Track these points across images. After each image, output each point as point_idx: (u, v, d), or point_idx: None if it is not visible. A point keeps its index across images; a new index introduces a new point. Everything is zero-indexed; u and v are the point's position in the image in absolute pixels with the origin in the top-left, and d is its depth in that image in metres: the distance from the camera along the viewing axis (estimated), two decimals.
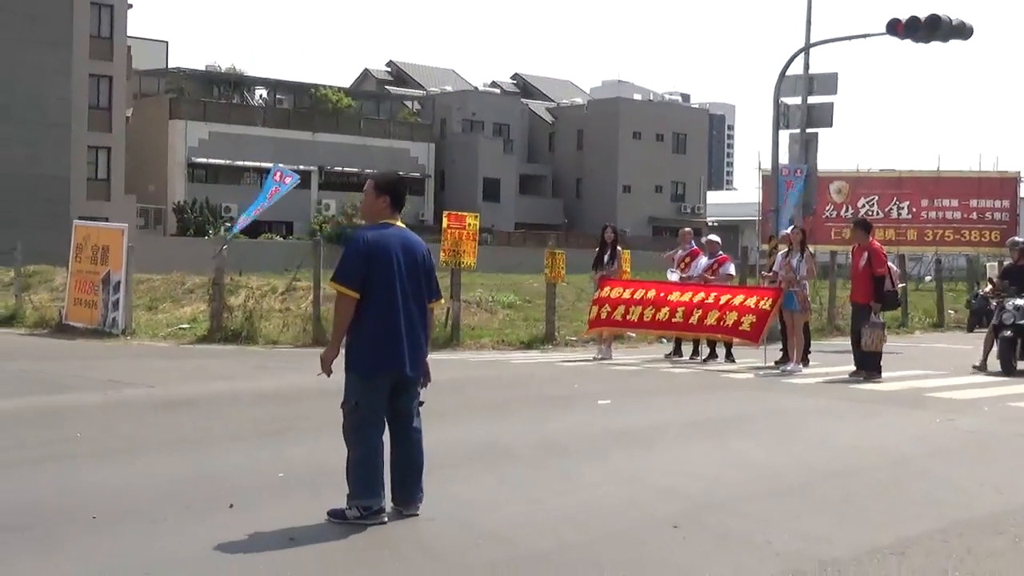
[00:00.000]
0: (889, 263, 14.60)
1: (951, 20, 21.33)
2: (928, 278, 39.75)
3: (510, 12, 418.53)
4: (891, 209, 49.76)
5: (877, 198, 49.78)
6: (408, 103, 76.70)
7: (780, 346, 15.96)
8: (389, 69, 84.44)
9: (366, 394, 6.23)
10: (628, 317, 16.61)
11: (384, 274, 6.19)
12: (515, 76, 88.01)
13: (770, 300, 15.29)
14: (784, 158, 24.55)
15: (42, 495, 6.79)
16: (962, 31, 21.53)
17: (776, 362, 15.55)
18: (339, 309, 6.30)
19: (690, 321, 15.93)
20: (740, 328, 15.34)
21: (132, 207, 52.79)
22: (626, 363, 16.41)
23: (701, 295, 16.05)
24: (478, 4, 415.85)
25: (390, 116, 73.39)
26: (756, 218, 64.46)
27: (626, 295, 16.83)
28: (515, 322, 22.90)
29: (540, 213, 75.21)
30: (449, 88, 79.01)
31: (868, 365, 14.03)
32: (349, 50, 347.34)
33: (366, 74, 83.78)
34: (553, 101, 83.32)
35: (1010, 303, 15.15)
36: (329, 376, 6.36)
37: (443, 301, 6.78)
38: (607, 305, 16.88)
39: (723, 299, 15.75)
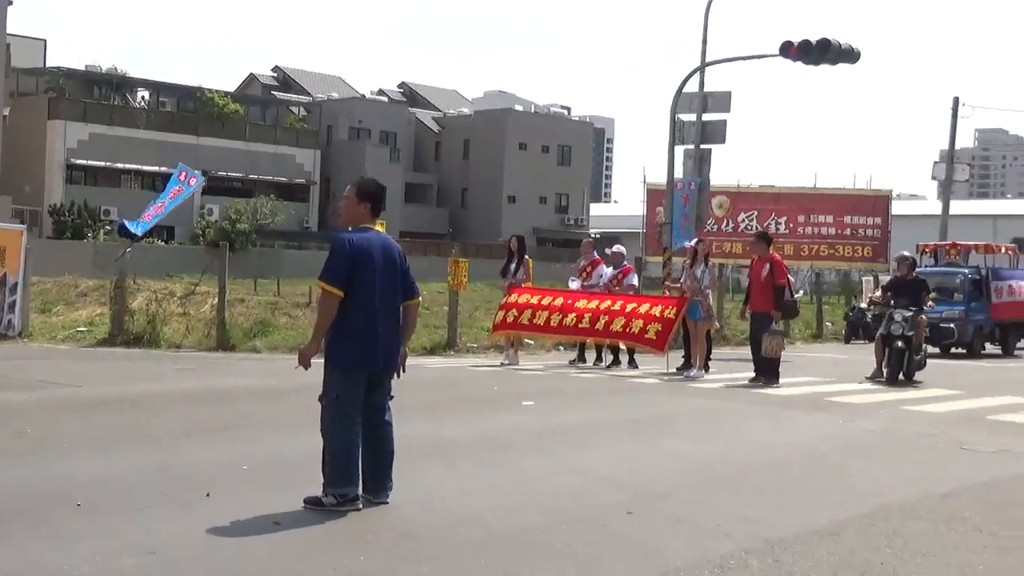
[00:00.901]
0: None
1: (840, 44, 22.40)
2: (801, 292, 41.18)
3: (396, 20, 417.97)
4: (769, 224, 51.28)
5: (756, 213, 51.22)
6: (294, 109, 76.28)
7: (682, 353, 16.65)
8: (275, 74, 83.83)
9: (347, 388, 6.60)
10: (534, 321, 17.10)
11: (366, 274, 6.58)
12: (402, 84, 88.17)
13: (674, 309, 15.97)
14: (679, 172, 25.40)
15: (19, 484, 6.97)
16: (850, 55, 22.63)
17: (678, 368, 16.23)
18: (324, 306, 6.65)
19: (596, 327, 16.51)
20: (646, 336, 15.98)
21: (7, 208, 51.49)
22: (533, 369, 16.90)
23: (608, 303, 16.66)
24: (364, 12, 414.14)
25: (276, 122, 72.86)
26: (640, 230, 65.96)
27: (533, 301, 17.33)
28: (418, 330, 23.21)
29: (425, 222, 75.48)
30: (336, 95, 78.84)
31: (767, 371, 14.79)
32: (234, 54, 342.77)
33: (251, 79, 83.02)
34: (440, 111, 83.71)
35: (899, 315, 15.71)
36: (307, 369, 6.68)
37: (419, 300, 7.14)
38: (514, 309, 17.34)
39: (629, 307, 16.38)
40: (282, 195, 66.61)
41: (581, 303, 16.89)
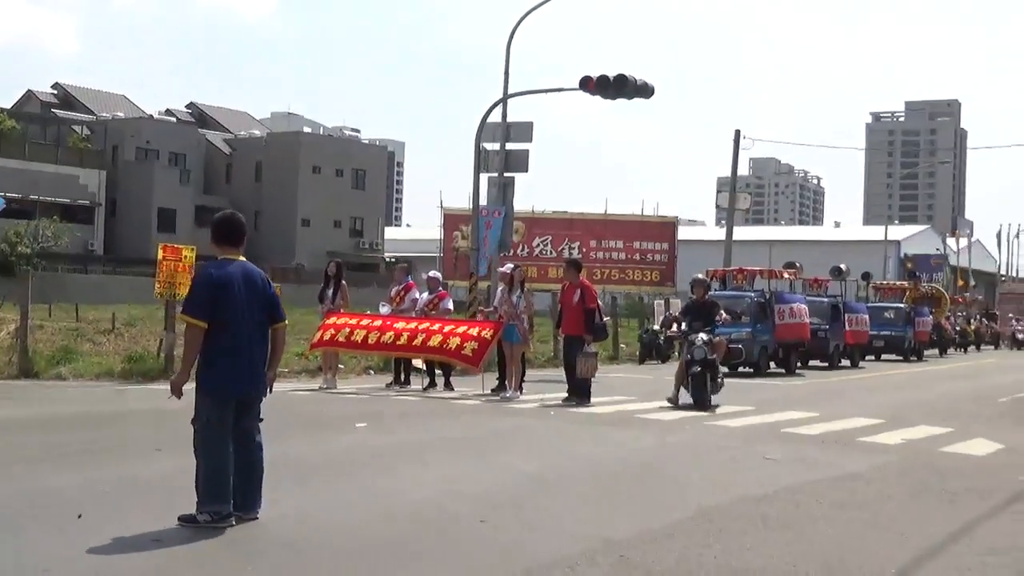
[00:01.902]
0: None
1: (636, 80, 23.70)
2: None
3: (178, 39, 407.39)
4: (563, 249, 52.86)
5: (551, 238, 52.70)
6: (77, 128, 73.88)
7: (496, 375, 17.32)
8: (55, 92, 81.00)
9: (216, 411, 6.98)
10: (352, 339, 17.45)
11: (229, 304, 6.96)
12: (190, 105, 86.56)
13: (491, 331, 16.64)
14: (483, 200, 26.20)
15: None
16: (645, 90, 23.98)
17: (493, 390, 16.90)
18: (189, 338, 7.00)
19: (413, 343, 17.00)
20: (462, 352, 16.56)
21: None
22: (353, 392, 17.25)
23: (426, 324, 17.21)
24: (145, 29, 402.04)
25: (57, 141, 70.40)
26: (437, 254, 66.77)
27: (352, 322, 17.70)
28: None
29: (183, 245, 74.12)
30: (121, 114, 76.80)
31: (581, 391, 15.63)
32: (9, 70, 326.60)
33: (29, 95, 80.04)
34: (230, 132, 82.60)
35: (698, 339, 15.79)
36: (179, 399, 6.99)
37: (286, 323, 7.54)
38: (331, 329, 17.65)
39: (447, 328, 16.97)
40: (65, 217, 64.35)
41: (400, 324, 17.37)
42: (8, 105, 74.58)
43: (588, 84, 23.88)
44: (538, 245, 50.60)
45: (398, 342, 17.13)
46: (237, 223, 7.40)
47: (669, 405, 15.73)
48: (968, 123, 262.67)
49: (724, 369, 21.16)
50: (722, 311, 16.69)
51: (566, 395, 15.92)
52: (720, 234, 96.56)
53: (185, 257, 21.18)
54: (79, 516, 7.00)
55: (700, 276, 17.95)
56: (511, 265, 17.80)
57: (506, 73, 26.47)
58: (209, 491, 6.91)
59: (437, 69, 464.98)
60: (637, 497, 8.55)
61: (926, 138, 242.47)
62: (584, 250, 52.00)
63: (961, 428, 14.55)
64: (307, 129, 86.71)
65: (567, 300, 16.22)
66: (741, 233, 75.80)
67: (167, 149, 74.26)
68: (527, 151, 26.64)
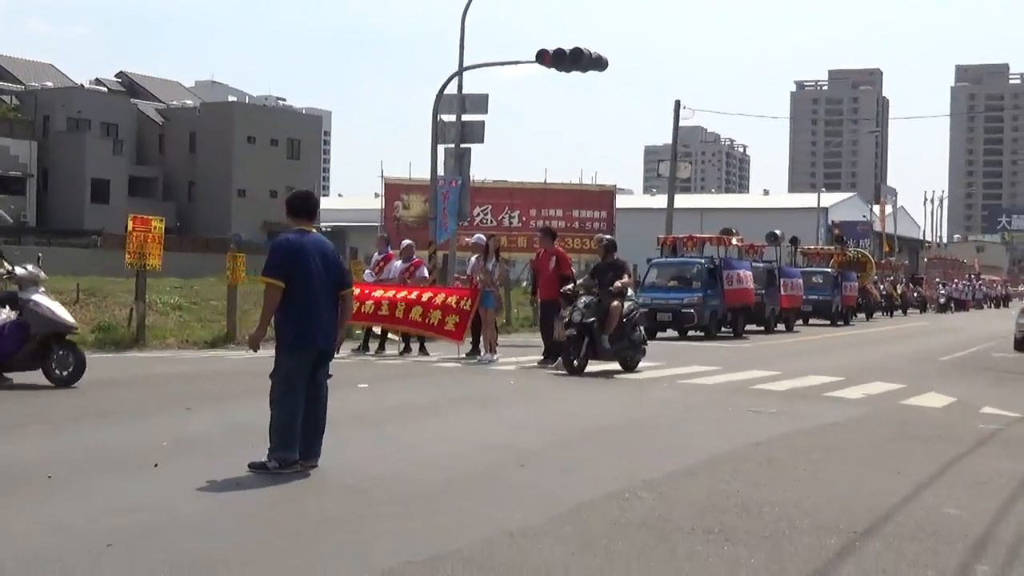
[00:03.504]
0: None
1: (591, 54, 24.38)
2: (524, 283, 42.79)
3: (97, 6, 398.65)
4: (504, 218, 53.44)
5: (491, 207, 53.22)
6: (6, 98, 72.73)
7: (470, 339, 18.00)
8: None
9: (296, 364, 7.65)
10: None
11: (304, 267, 7.66)
12: (120, 74, 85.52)
13: (468, 300, 17.29)
14: (440, 170, 26.80)
15: (4, 458, 7.54)
16: (600, 63, 24.68)
17: (467, 354, 17.58)
18: (268, 297, 7.65)
19: (395, 314, 17.62)
20: (445, 327, 17.21)
21: None
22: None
23: (404, 293, 17.81)
24: None
25: None
26: (375, 224, 67.03)
27: None
28: (190, 323, 23.55)
29: (152, 216, 73.69)
30: (50, 84, 75.71)
31: (556, 353, 16.36)
32: None
33: None
34: (162, 102, 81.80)
35: (581, 300, 15.27)
36: (256, 352, 7.65)
37: (352, 289, 8.24)
38: None
39: (425, 297, 17.59)
40: None
41: (378, 293, 17.95)
42: None
43: (544, 58, 24.52)
44: (479, 214, 51.10)
45: (379, 312, 17.71)
46: (310, 199, 8.13)
47: (549, 366, 15.95)
48: (889, 92, 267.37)
49: (671, 332, 21.84)
50: (626, 276, 16.04)
51: (542, 357, 16.65)
52: (650, 202, 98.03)
53: (155, 227, 21.50)
54: (156, 465, 7.60)
55: (606, 237, 17.47)
56: (481, 236, 18.43)
57: (461, 46, 27.00)
58: (280, 439, 7.58)
59: (361, 37, 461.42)
60: (650, 446, 9.34)
61: (849, 106, 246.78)
62: (524, 219, 52.68)
63: (913, 384, 15.58)
64: (232, 98, 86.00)
65: (543, 267, 16.94)
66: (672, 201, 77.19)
67: (99, 119, 73.33)
68: (483, 122, 27.24)
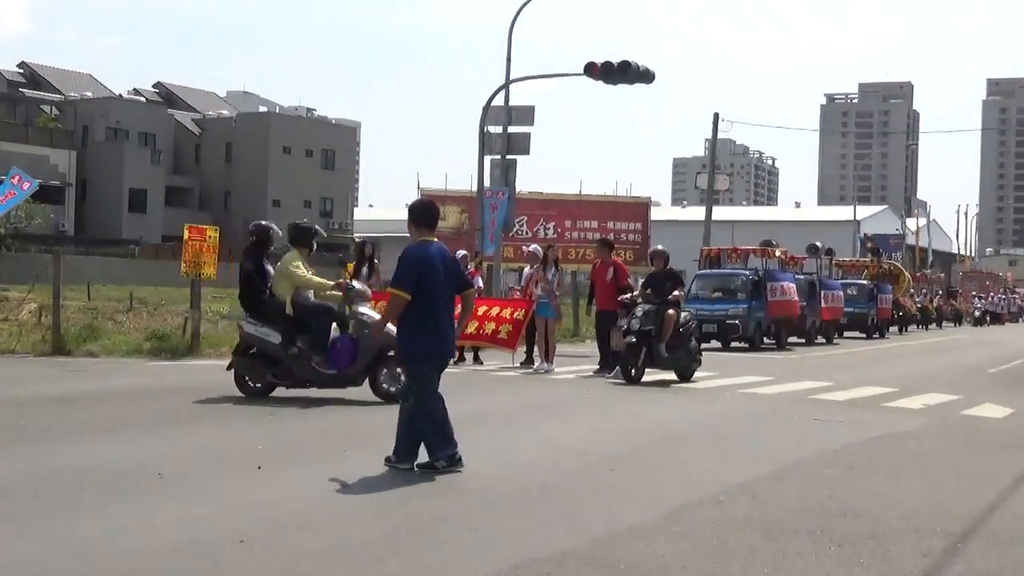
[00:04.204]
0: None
1: (639, 67, 24.61)
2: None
3: (132, 19, 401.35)
4: (539, 229, 53.51)
5: (526, 218, 53.34)
6: (46, 108, 73.63)
7: (523, 349, 18.18)
8: (21, 70, 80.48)
9: (430, 372, 8.08)
10: None
11: (431, 278, 8.00)
12: (158, 85, 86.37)
13: (522, 311, 17.50)
14: (487, 182, 27.07)
15: (83, 463, 7.81)
16: (647, 76, 24.89)
17: (521, 363, 17.76)
18: (392, 305, 8.13)
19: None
20: (498, 336, 17.41)
21: None
22: None
23: (459, 308, 17.89)
24: (96, 9, 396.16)
25: (26, 121, 70.13)
26: (407, 234, 67.20)
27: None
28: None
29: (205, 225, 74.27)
30: (89, 94, 76.61)
31: (613, 362, 16.55)
32: None
33: None
34: (198, 112, 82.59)
35: (639, 309, 15.50)
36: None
37: (474, 289, 8.66)
38: None
39: (480, 310, 17.73)
40: (36, 197, 64.18)
41: None
42: None
43: (592, 70, 24.76)
44: (514, 225, 51.40)
45: None
46: (433, 209, 8.47)
47: (606, 375, 16.19)
48: (920, 105, 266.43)
49: (715, 344, 22.00)
50: (682, 286, 16.31)
51: (597, 367, 16.85)
52: (680, 214, 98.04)
53: (210, 237, 21.75)
54: (259, 468, 7.86)
55: (660, 248, 17.59)
56: (537, 246, 18.65)
57: (508, 59, 27.33)
58: (439, 440, 7.94)
59: (391, 48, 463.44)
60: (730, 452, 9.53)
61: (879, 120, 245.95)
62: (559, 230, 52.75)
63: (967, 396, 15.68)
64: (263, 108, 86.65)
65: (600, 277, 17.15)
66: (701, 213, 77.28)
67: (137, 129, 74.15)
68: (528, 134, 27.56)
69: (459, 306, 8.59)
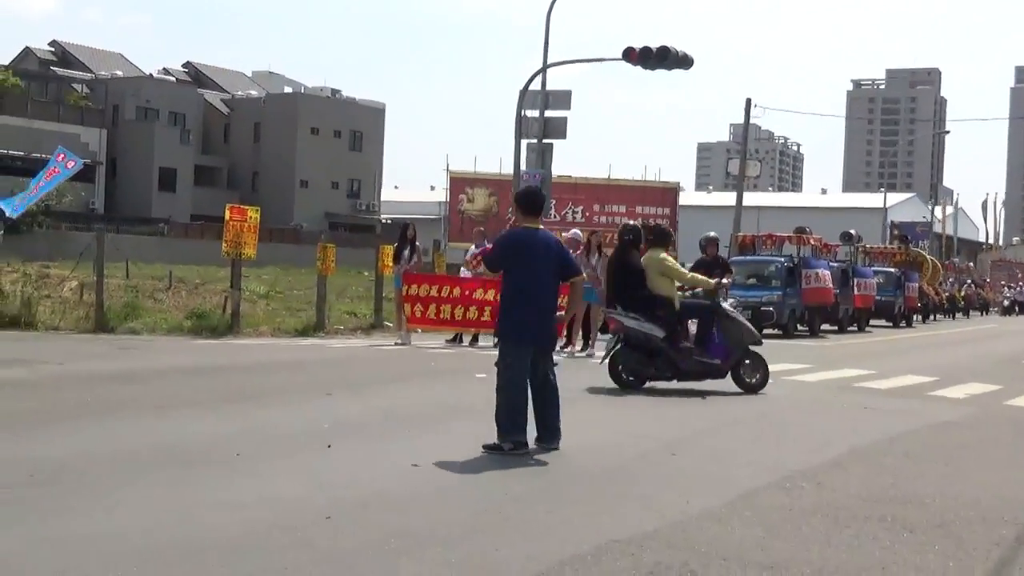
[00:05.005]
0: None
1: (678, 52, 24.64)
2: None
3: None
4: (567, 212, 53.75)
5: (555, 202, 53.60)
6: (77, 87, 74.06)
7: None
8: (53, 49, 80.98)
9: (514, 353, 8.27)
10: (440, 316, 18.15)
11: (522, 262, 8.24)
12: (187, 64, 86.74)
13: (566, 298, 17.46)
14: (523, 166, 27.17)
15: (160, 439, 7.99)
16: (686, 61, 24.92)
17: (561, 347, 17.83)
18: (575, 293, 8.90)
19: (469, 318, 17.79)
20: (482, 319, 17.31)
21: None
22: (430, 347, 18.21)
23: (480, 292, 17.80)
24: None
25: (58, 99, 70.59)
26: (438, 216, 67.47)
27: (433, 292, 18.35)
28: (279, 312, 24.07)
29: (216, 205, 74.16)
30: (120, 73, 76.98)
31: None
32: (4, 26, 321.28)
33: (27, 52, 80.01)
34: (227, 92, 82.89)
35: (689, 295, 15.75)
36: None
37: (581, 276, 8.91)
38: (419, 304, 18.33)
39: (478, 294, 17.65)
40: None
41: (478, 294, 17.97)
42: (5, 62, 74.55)
43: (631, 55, 24.81)
44: (550, 209, 51.54)
45: (483, 318, 17.73)
46: (539, 198, 8.71)
47: None
48: (948, 92, 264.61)
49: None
50: (730, 274, 16.29)
51: None
52: (705, 199, 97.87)
53: (251, 217, 21.90)
54: (328, 446, 8.02)
55: (712, 234, 17.65)
56: (577, 231, 18.71)
57: (545, 43, 27.44)
58: (511, 424, 8.13)
59: (416, 29, 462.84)
60: (786, 438, 9.64)
61: (906, 106, 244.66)
62: (587, 214, 53.01)
63: (1009, 386, 15.70)
64: (288, 89, 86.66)
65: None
66: (726, 199, 77.26)
67: (167, 109, 74.54)
68: (565, 118, 27.61)
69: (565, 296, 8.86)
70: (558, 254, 8.51)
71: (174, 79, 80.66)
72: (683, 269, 13.47)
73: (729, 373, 12.76)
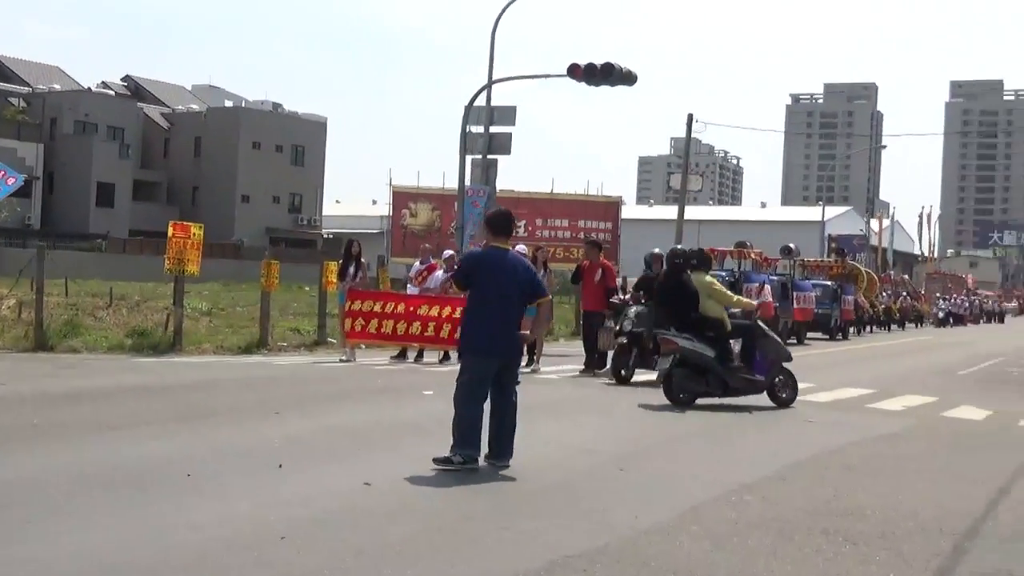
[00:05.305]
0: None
1: (622, 68, 24.90)
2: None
3: (106, 10, 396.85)
4: None
5: None
6: (14, 101, 73.06)
7: None
8: None
9: (474, 368, 8.40)
10: (382, 331, 18.15)
11: (486, 280, 8.45)
12: (126, 78, 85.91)
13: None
14: (467, 181, 27.29)
15: (108, 461, 7.99)
16: (630, 78, 25.18)
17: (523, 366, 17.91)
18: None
19: (441, 335, 17.76)
20: (441, 336, 17.35)
21: None
22: (375, 364, 18.22)
23: (448, 309, 17.81)
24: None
25: None
26: (380, 231, 67.34)
27: (376, 308, 18.35)
28: (221, 329, 23.90)
29: (155, 220, 73.60)
30: (58, 87, 76.06)
31: (600, 362, 16.83)
32: None
33: None
34: (167, 106, 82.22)
35: (631, 310, 15.85)
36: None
37: (549, 298, 9.06)
38: (360, 319, 18.33)
39: (435, 311, 17.65)
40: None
41: (423, 310, 17.98)
42: None
43: (576, 71, 25.03)
44: None
45: (426, 333, 17.73)
46: (509, 220, 8.86)
47: (595, 375, 16.49)
48: (884, 106, 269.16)
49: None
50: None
51: (583, 367, 17.09)
52: (646, 213, 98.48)
53: (194, 234, 21.77)
54: (280, 466, 8.06)
55: (658, 251, 17.58)
56: (523, 246, 18.77)
57: (491, 59, 27.63)
58: (463, 438, 8.26)
59: (357, 43, 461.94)
60: (731, 452, 9.85)
61: (844, 120, 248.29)
62: (530, 228, 53.09)
63: (944, 398, 16.11)
64: (229, 103, 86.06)
65: (588, 278, 17.39)
66: (667, 212, 77.87)
67: (105, 123, 73.75)
68: (510, 134, 27.77)
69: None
70: (526, 276, 8.67)
71: (113, 93, 79.84)
72: (729, 291, 14.39)
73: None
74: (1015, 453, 10.39)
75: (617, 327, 15.83)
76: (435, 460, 8.22)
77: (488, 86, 27.19)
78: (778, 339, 13.94)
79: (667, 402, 12.95)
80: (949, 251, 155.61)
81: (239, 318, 25.89)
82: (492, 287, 8.42)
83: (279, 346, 21.68)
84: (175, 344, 20.35)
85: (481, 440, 8.40)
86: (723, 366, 13.13)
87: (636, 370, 15.72)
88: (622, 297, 17.16)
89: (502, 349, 8.46)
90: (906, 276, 75.50)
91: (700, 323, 13.31)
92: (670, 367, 13.17)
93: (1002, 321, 74.52)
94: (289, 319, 25.78)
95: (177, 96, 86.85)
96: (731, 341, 13.50)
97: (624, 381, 15.52)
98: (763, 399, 13.35)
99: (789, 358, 13.77)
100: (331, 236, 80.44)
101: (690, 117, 41.41)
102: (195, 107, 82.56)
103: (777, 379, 13.50)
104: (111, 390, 12.76)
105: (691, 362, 13.04)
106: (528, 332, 9.07)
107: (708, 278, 13.81)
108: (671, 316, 13.55)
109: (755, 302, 14.34)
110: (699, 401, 13.06)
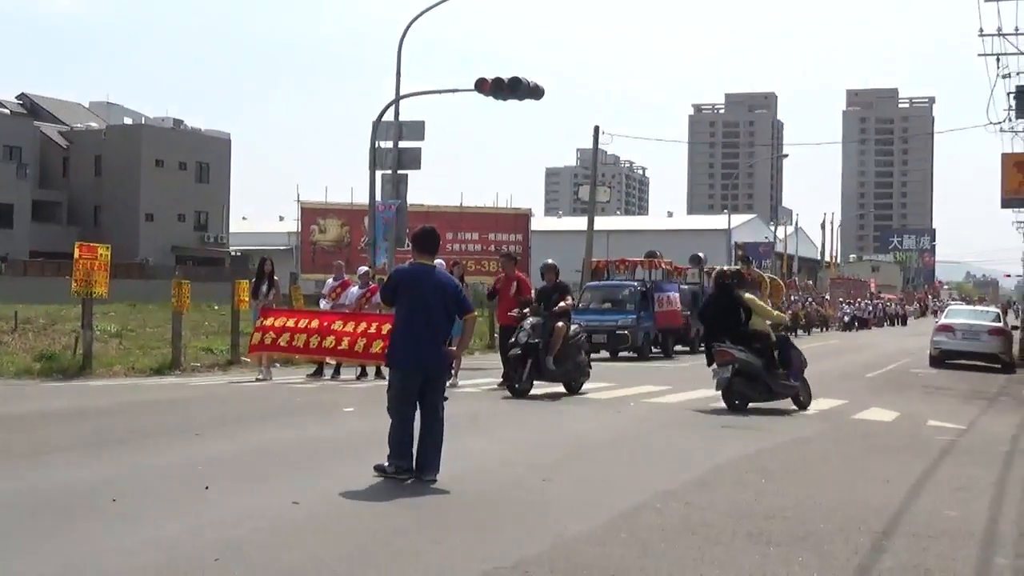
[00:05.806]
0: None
1: (529, 83, 25.10)
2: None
3: (6, 25, 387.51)
4: None
5: (408, 231, 53.45)
6: None
7: None
8: None
9: (399, 381, 8.58)
10: (293, 343, 18.11)
11: (410, 296, 8.59)
12: (21, 96, 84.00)
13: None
14: (378, 196, 27.25)
15: (30, 488, 7.86)
16: (537, 92, 25.37)
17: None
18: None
19: (355, 349, 17.71)
20: (371, 352, 17.24)
21: None
22: (292, 382, 18.10)
23: (363, 325, 17.81)
24: None
25: None
26: (289, 247, 66.79)
27: (289, 324, 18.29)
28: (132, 351, 23.53)
29: (55, 241, 72.10)
30: None
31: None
32: None
33: None
34: (66, 124, 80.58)
35: (527, 322, 15.86)
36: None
37: (474, 314, 8.97)
38: (271, 332, 18.27)
39: (385, 329, 17.75)
40: None
41: (337, 325, 17.96)
42: None
43: (483, 86, 25.15)
44: (406, 240, 51.52)
45: (339, 347, 17.67)
46: (434, 237, 8.99)
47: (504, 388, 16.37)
48: (784, 115, 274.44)
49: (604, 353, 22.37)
50: (569, 297, 16.53)
51: (501, 380, 17.15)
52: (556, 224, 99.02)
53: (101, 255, 21.43)
54: (206, 488, 8.01)
55: (550, 262, 17.67)
56: (442, 261, 18.78)
57: (398, 74, 27.54)
58: (393, 449, 8.48)
59: (259, 59, 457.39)
60: (651, 460, 10.02)
61: (745, 129, 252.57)
62: (441, 242, 53.16)
63: (854, 400, 16.57)
64: (128, 120, 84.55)
65: (504, 291, 17.47)
66: (575, 223, 78.47)
67: (1, 142, 72.00)
68: (419, 149, 27.74)
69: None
70: (452, 293, 8.79)
71: (8, 111, 77.96)
72: (768, 307, 16.43)
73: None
74: (925, 453, 10.73)
75: (512, 339, 15.87)
76: (375, 468, 8.52)
77: (396, 101, 27.18)
78: (800, 350, 15.46)
79: (577, 412, 13.17)
80: (851, 256, 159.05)
81: (150, 339, 25.50)
82: (419, 303, 8.55)
83: (192, 367, 21.41)
84: (85, 367, 19.99)
85: (412, 453, 8.46)
86: (768, 373, 14.57)
87: (534, 382, 15.68)
88: (520, 309, 16.79)
89: (427, 364, 8.56)
90: (810, 282, 77.02)
91: (747, 336, 14.76)
92: (729, 376, 14.38)
93: (905, 324, 76.39)
94: (201, 339, 25.47)
95: (74, 113, 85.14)
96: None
97: (519, 394, 15.48)
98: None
99: (806, 366, 15.30)
100: (239, 253, 79.55)
101: (596, 129, 41.79)
102: (94, 124, 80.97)
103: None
104: (25, 416, 12.52)
105: (745, 371, 14.40)
106: (455, 348, 9.12)
107: (749, 295, 15.54)
108: (723, 331, 14.85)
109: (788, 315, 15.75)
110: (604, 411, 13.28)
